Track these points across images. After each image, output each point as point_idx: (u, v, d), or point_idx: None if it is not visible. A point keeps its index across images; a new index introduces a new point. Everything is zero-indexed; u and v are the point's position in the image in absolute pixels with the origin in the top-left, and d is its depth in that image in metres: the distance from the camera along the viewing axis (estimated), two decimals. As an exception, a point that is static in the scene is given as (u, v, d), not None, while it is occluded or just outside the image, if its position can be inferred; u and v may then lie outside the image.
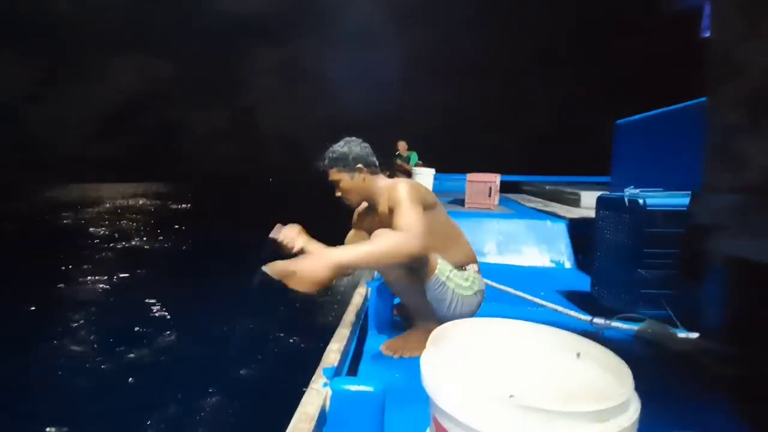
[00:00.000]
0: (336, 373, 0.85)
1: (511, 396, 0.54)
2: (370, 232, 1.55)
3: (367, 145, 1.59)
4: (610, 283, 2.10)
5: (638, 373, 1.44)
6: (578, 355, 0.74)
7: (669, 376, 1.43)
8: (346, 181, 1.53)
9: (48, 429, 2.72)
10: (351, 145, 1.55)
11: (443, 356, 0.71)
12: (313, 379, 0.79)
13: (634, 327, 1.75)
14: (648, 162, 2.57)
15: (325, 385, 0.77)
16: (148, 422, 2.84)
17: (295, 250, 1.41)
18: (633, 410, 0.54)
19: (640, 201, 1.87)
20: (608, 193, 2.24)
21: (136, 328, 4.56)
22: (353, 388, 0.75)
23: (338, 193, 1.57)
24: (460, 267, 1.52)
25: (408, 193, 1.39)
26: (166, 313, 5.07)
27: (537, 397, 0.68)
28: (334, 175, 1.54)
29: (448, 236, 1.55)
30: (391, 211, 1.38)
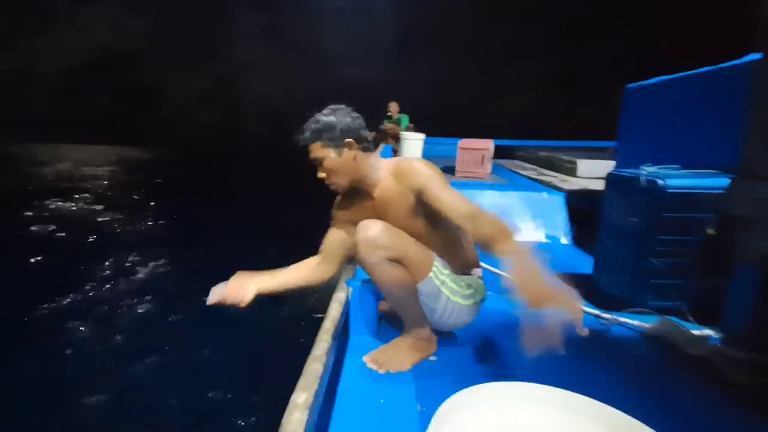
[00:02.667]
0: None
1: None
2: (356, 224, 1.29)
3: (358, 115, 1.28)
4: (616, 270, 1.92)
5: (648, 377, 1.28)
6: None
7: (683, 382, 1.28)
8: (332, 159, 1.22)
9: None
10: (338, 114, 1.23)
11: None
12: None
13: (644, 324, 1.59)
14: (661, 133, 2.33)
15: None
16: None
17: (245, 304, 1.22)
18: None
19: (659, 182, 1.65)
20: (619, 170, 2.01)
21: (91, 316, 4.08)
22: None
23: (321, 174, 1.26)
24: (463, 272, 1.30)
25: (438, 174, 1.21)
26: (122, 302, 4.50)
27: None
28: (317, 151, 1.22)
29: (456, 234, 1.30)
30: (409, 193, 1.21)
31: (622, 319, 1.63)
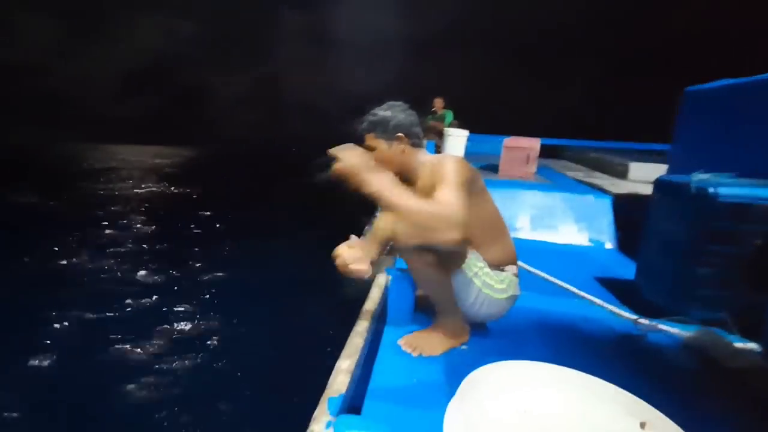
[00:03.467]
0: (343, 403, 0.74)
1: None
2: None
3: (413, 112, 1.40)
4: (659, 277, 1.89)
5: (685, 388, 1.28)
6: (642, 425, 0.59)
7: (721, 396, 1.27)
8: (382, 150, 1.35)
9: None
10: (394, 110, 1.37)
11: (470, 417, 0.58)
12: (315, 415, 0.69)
13: (683, 333, 1.57)
14: (718, 138, 2.23)
15: (328, 425, 0.67)
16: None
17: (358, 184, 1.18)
18: None
19: (710, 190, 1.61)
20: (669, 175, 1.97)
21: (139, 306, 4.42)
22: (360, 432, 0.64)
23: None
24: (498, 267, 1.36)
25: (456, 171, 1.21)
26: (172, 292, 4.88)
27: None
28: (370, 141, 1.36)
29: (491, 230, 1.38)
30: (433, 188, 1.20)
31: (660, 326, 1.61)
